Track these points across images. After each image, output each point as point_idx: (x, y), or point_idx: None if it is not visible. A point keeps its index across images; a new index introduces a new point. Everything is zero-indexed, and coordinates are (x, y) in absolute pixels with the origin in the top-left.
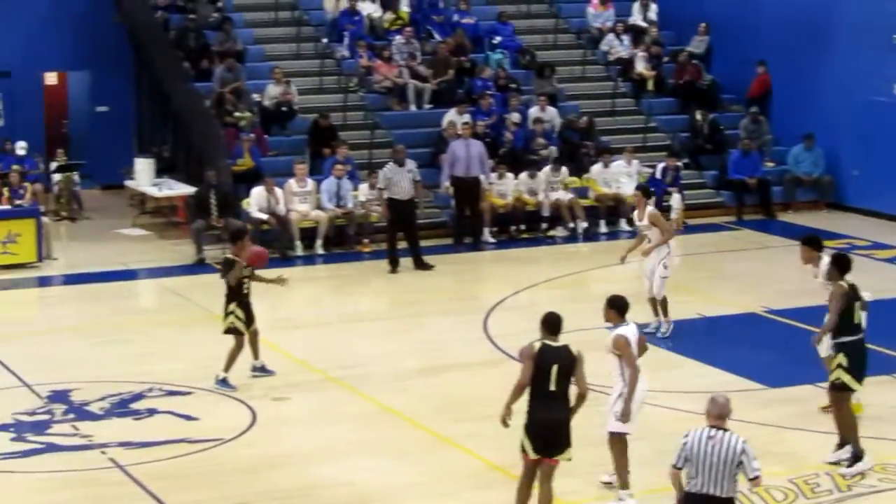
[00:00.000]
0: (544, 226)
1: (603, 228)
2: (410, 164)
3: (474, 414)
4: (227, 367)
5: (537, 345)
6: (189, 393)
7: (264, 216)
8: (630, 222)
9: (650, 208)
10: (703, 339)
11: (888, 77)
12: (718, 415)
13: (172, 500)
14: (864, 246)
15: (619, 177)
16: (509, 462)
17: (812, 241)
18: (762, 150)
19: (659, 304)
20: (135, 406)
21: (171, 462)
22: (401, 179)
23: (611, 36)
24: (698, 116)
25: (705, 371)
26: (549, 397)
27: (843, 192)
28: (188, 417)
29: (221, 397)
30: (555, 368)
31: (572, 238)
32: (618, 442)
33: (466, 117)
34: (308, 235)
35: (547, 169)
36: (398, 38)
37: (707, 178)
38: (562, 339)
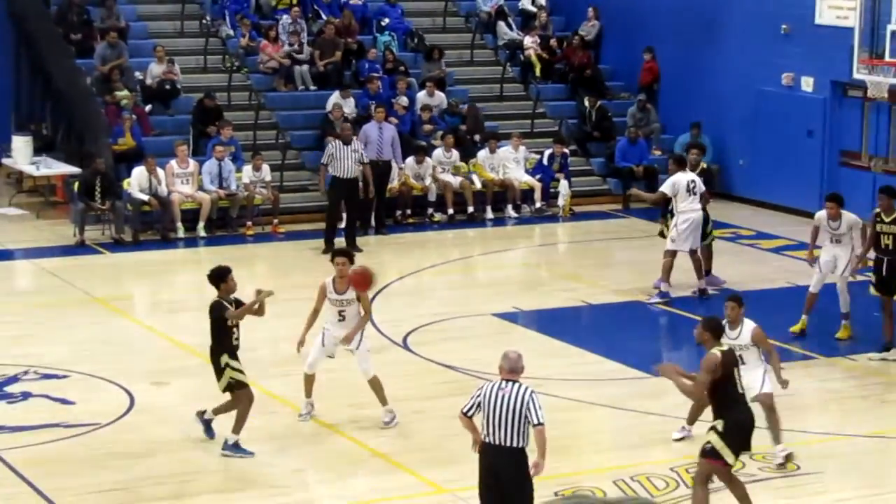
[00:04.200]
0: (430, 211)
1: (489, 214)
2: (357, 145)
3: (357, 401)
4: (238, 428)
5: (718, 353)
6: (65, 377)
7: (145, 197)
8: (516, 208)
9: (354, 268)
10: (587, 326)
11: (776, 66)
12: (510, 369)
13: (46, 485)
14: (749, 236)
15: (505, 162)
16: (391, 450)
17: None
18: (650, 138)
19: (371, 387)
20: (8, 389)
21: (46, 447)
22: (345, 157)
23: (500, 21)
24: (586, 103)
25: (590, 359)
26: (741, 400)
27: (730, 182)
28: (64, 401)
29: (99, 381)
30: (736, 371)
31: (458, 224)
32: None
33: (351, 101)
34: (190, 217)
35: (439, 151)
36: (285, 18)
37: (594, 166)
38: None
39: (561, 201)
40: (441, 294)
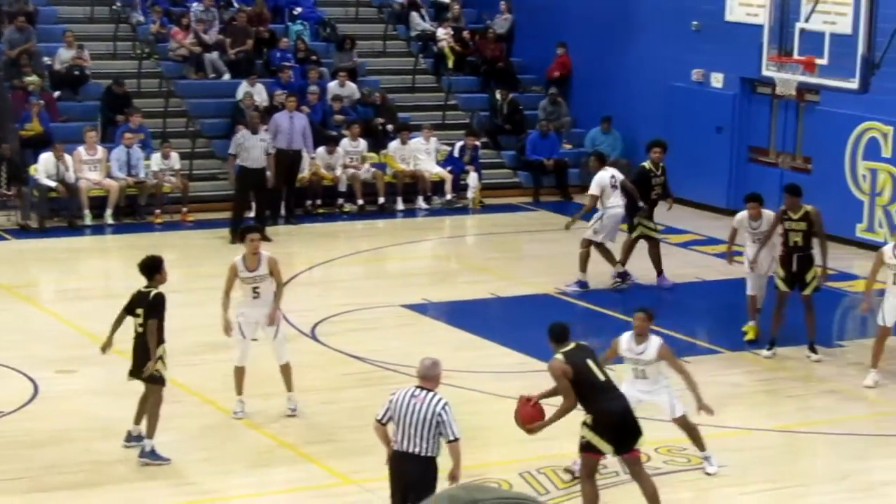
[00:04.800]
0: (340, 201)
1: (400, 205)
2: (264, 134)
3: (262, 391)
4: (153, 431)
5: (559, 356)
6: None
7: (53, 183)
8: (427, 200)
9: (267, 254)
10: (496, 319)
11: (687, 62)
12: (423, 376)
13: None
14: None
15: (417, 154)
16: (298, 440)
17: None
18: (560, 132)
19: (282, 372)
20: None
21: None
22: (253, 147)
23: (413, 12)
24: (498, 96)
25: (499, 352)
26: (606, 388)
27: None
28: None
29: (2, 369)
30: (590, 362)
31: (368, 214)
32: None
33: (259, 88)
34: (98, 204)
35: (346, 141)
36: (196, 6)
37: (505, 158)
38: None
39: (470, 193)
40: (350, 285)
